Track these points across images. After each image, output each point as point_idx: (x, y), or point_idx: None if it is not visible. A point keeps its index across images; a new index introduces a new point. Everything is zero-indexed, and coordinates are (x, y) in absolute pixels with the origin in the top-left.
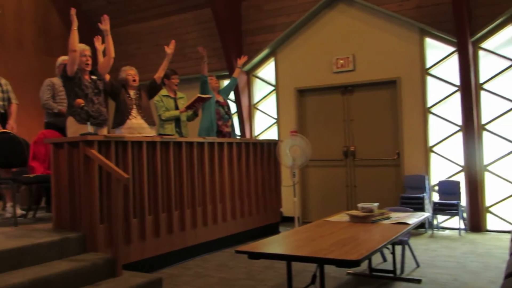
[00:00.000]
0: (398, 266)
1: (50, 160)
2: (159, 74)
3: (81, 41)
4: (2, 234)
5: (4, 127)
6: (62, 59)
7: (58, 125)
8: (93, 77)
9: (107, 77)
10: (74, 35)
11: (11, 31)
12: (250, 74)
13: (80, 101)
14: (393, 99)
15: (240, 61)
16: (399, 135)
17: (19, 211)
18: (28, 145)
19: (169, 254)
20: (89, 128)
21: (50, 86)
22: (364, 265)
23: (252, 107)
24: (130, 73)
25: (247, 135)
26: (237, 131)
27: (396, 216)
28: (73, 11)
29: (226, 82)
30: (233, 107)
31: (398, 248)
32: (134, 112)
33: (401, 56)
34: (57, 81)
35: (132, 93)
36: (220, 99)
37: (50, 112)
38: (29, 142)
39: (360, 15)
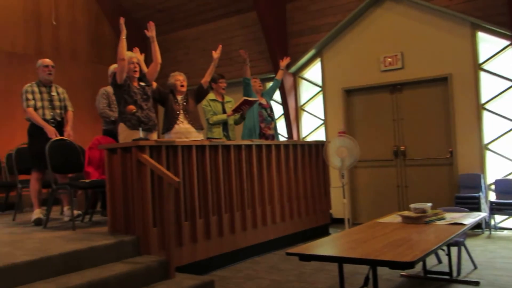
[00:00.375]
0: (454, 268)
1: (104, 165)
2: (205, 79)
3: (131, 48)
4: (61, 237)
5: (61, 134)
6: (114, 67)
7: (115, 132)
8: (142, 83)
9: (154, 84)
10: (123, 44)
11: (65, 42)
12: (296, 75)
13: (132, 107)
14: (445, 96)
15: (283, 63)
16: (452, 133)
17: (75, 212)
18: (84, 151)
19: (220, 256)
20: (141, 134)
21: (105, 95)
22: (418, 267)
23: (299, 109)
24: (178, 78)
25: (295, 137)
26: (284, 133)
27: (451, 216)
28: (122, 20)
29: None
30: (279, 109)
31: (454, 250)
32: (181, 117)
33: (452, 52)
34: (111, 89)
35: (179, 98)
36: (263, 101)
37: (107, 120)
38: (84, 148)
39: (408, 12)
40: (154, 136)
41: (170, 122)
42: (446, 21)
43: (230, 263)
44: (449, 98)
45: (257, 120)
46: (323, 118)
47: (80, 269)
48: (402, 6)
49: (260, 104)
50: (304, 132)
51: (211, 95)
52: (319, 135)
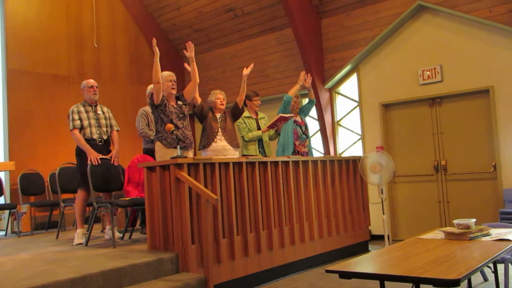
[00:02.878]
0: (502, 286)
1: (143, 184)
2: (240, 98)
3: (170, 67)
4: (102, 255)
5: (107, 152)
6: (151, 87)
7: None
8: (179, 102)
9: (199, 100)
10: (156, 67)
11: (106, 63)
12: (333, 90)
13: (170, 126)
14: (487, 109)
15: (307, 83)
16: (495, 146)
17: (116, 234)
18: (123, 169)
19: (258, 274)
20: (178, 152)
21: (144, 115)
22: (463, 285)
23: (335, 124)
24: (219, 96)
25: (331, 152)
26: (321, 148)
27: (496, 232)
28: (154, 42)
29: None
30: (316, 125)
31: (501, 267)
32: (219, 135)
33: (493, 64)
34: (149, 109)
35: (218, 116)
36: (298, 119)
37: (147, 139)
38: (124, 166)
39: (446, 24)
40: (190, 154)
41: (208, 140)
42: (486, 33)
43: (268, 280)
44: (491, 110)
45: (291, 137)
46: (359, 133)
47: (120, 286)
48: (440, 19)
49: (295, 121)
50: (340, 147)
51: (245, 113)
52: (356, 151)
